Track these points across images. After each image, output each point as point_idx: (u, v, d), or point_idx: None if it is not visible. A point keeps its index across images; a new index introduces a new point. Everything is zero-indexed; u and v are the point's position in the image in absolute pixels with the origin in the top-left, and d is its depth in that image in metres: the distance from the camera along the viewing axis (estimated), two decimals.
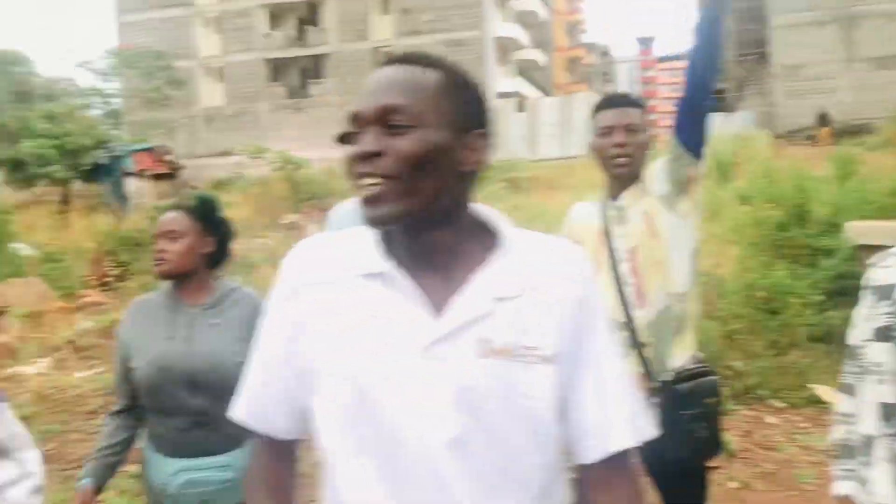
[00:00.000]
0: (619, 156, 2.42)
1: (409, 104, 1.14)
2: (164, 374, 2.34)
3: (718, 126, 24.07)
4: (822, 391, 5.26)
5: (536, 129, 28.65)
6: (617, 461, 1.23)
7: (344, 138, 2.67)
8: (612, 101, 2.50)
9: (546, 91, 40.93)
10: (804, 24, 28.12)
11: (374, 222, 1.15)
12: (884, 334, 1.91)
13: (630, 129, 2.42)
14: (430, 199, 1.15)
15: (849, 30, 27.62)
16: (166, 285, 2.51)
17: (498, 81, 33.39)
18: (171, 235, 2.47)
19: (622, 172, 2.43)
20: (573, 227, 2.61)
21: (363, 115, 1.15)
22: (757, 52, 30.80)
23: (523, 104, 30.45)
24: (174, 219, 2.49)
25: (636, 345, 2.39)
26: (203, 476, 2.37)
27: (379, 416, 1.14)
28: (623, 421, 1.23)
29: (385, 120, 1.14)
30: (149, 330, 2.42)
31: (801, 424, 5.06)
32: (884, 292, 1.93)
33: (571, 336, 1.19)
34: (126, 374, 2.43)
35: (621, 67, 73.69)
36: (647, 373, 2.39)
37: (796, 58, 28.22)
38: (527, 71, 40.15)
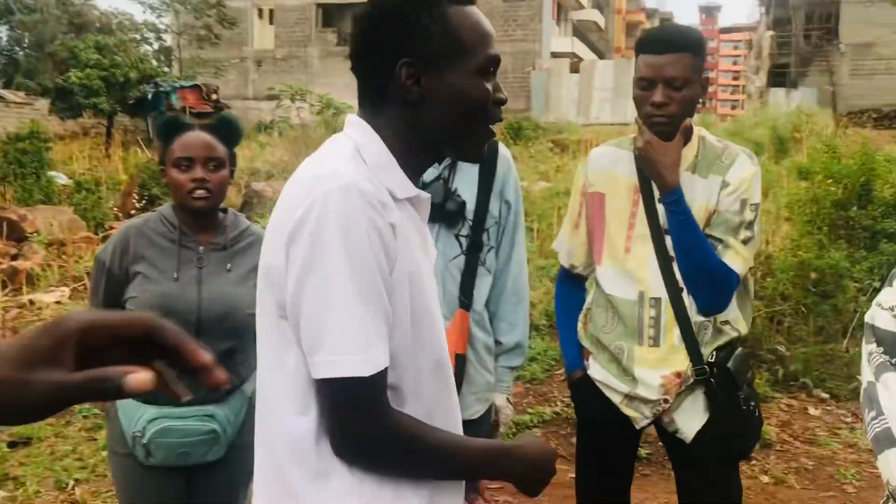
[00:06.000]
0: (655, 116, 2.02)
1: None
2: (165, 316, 2.06)
3: (779, 101, 23.23)
4: None
5: (589, 93, 27.91)
6: None
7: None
8: (655, 44, 2.05)
9: (603, 54, 39.96)
10: (875, 1, 26.83)
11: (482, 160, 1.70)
12: None
13: (673, 83, 1.99)
14: None
15: None
16: (167, 214, 2.23)
17: (553, 40, 32.58)
18: (213, 163, 2.18)
19: (661, 132, 2.04)
20: (597, 174, 2.23)
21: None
22: (824, 27, 29.56)
23: (577, 66, 29.68)
24: (213, 143, 2.17)
25: (684, 323, 2.08)
26: (182, 425, 2.12)
27: None
28: None
29: None
30: (151, 263, 2.15)
31: (846, 419, 4.70)
32: None
33: None
34: (112, 304, 2.16)
35: None
36: (695, 353, 2.09)
37: (865, 36, 27.00)
38: (585, 32, 39.17)
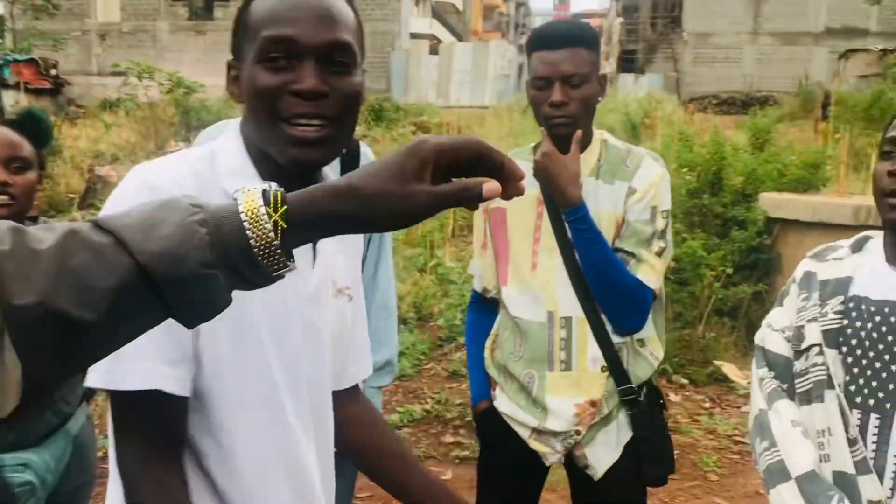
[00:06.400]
0: (555, 117, 1.90)
1: (355, 43, 1.11)
2: None
3: (627, 87, 24.12)
4: (728, 369, 5.04)
5: (448, 75, 27.94)
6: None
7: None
8: (548, 39, 1.92)
9: (461, 37, 40.18)
10: None
11: (304, 165, 1.09)
12: (834, 339, 1.54)
13: (570, 79, 1.87)
14: (349, 140, 1.15)
15: (757, 3, 27.93)
16: None
17: (412, 21, 32.42)
18: (17, 164, 1.84)
19: (561, 134, 1.91)
20: None
21: (304, 46, 1.06)
22: (669, 16, 30.89)
23: (436, 47, 29.67)
24: (18, 141, 1.86)
25: (604, 340, 1.95)
26: None
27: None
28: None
29: (331, 56, 1.07)
30: None
31: (705, 405, 4.83)
32: (833, 288, 1.57)
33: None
34: None
35: (535, 20, 73.34)
36: (618, 372, 1.97)
37: (705, 25, 28.46)
38: (443, 14, 39.23)
